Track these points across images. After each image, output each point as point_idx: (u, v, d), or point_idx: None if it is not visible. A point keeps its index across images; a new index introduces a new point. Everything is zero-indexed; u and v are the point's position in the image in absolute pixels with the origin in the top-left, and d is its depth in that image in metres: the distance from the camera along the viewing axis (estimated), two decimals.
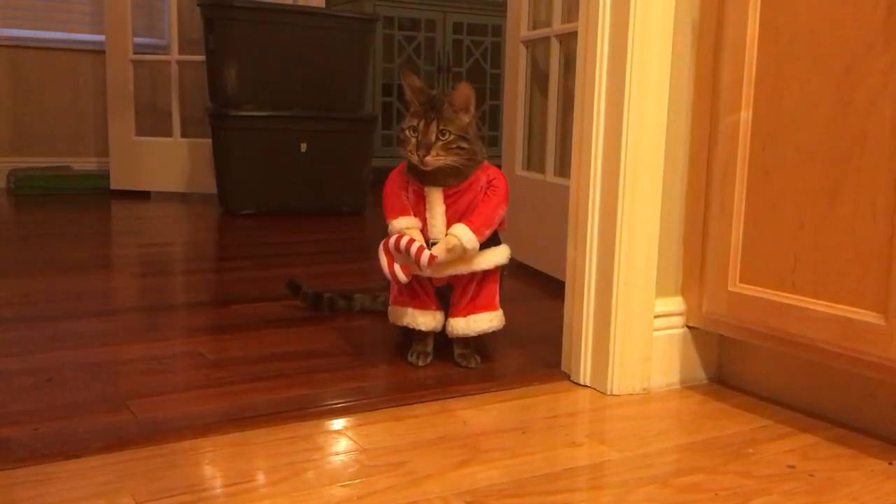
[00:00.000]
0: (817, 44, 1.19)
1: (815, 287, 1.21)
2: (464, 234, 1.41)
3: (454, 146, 1.39)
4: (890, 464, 1.13)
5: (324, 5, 4.14)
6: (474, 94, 1.42)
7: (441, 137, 1.38)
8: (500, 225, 1.54)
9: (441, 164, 1.39)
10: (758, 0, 1.27)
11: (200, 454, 1.11)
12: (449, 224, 1.43)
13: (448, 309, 1.52)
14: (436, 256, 1.39)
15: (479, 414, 1.29)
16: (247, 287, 2.15)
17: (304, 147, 3.52)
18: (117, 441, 1.13)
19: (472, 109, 1.42)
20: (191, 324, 1.77)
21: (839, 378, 1.28)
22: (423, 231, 1.44)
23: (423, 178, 1.43)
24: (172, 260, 2.58)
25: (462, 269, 1.45)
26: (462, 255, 1.42)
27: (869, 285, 1.14)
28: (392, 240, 1.42)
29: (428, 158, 1.38)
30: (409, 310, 1.50)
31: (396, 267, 1.42)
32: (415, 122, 1.40)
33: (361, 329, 1.75)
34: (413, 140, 1.39)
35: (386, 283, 1.69)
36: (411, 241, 1.40)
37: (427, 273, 1.44)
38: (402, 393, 1.36)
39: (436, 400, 1.33)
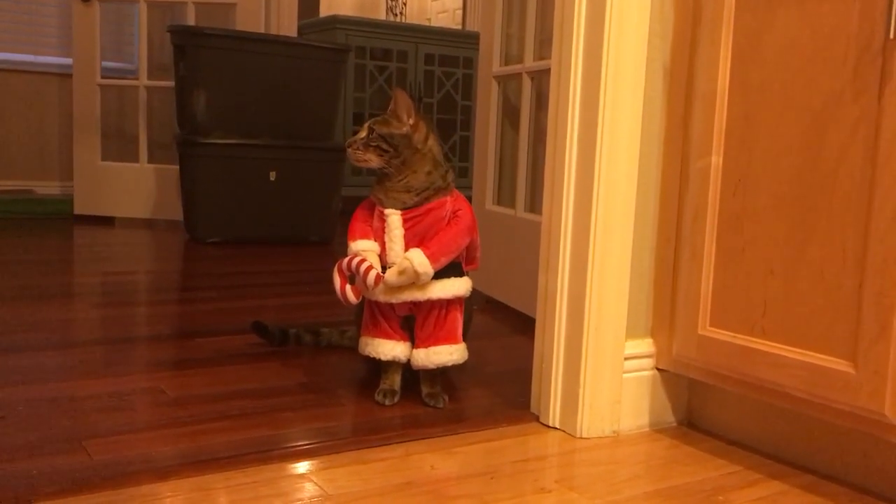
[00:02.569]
0: (787, 93, 1.20)
1: (784, 333, 1.21)
2: (416, 258, 1.40)
3: (374, 144, 1.45)
4: None
5: (296, 34, 4.14)
6: (410, 103, 1.47)
7: (369, 136, 1.46)
8: (471, 263, 1.54)
9: (366, 161, 1.45)
10: (728, 49, 1.28)
11: (158, 500, 1.07)
12: (407, 249, 1.43)
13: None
14: (382, 276, 1.40)
15: (447, 457, 1.26)
16: (211, 319, 2.11)
17: (272, 176, 3.49)
18: (71, 485, 1.09)
19: (409, 119, 1.46)
20: (152, 358, 1.72)
21: (808, 424, 1.27)
22: (382, 256, 1.44)
23: (383, 197, 1.46)
24: (136, 289, 2.53)
25: (417, 296, 1.44)
26: (414, 279, 1.41)
27: (838, 333, 1.14)
28: (346, 260, 1.42)
29: (349, 151, 1.46)
30: (371, 339, 1.49)
31: (347, 288, 1.42)
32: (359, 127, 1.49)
33: (328, 365, 1.72)
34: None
35: (354, 318, 1.67)
36: (362, 260, 1.41)
37: (378, 296, 1.43)
38: (369, 434, 1.33)
39: (403, 442, 1.31)
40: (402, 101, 1.46)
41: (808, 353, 1.17)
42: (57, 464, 1.16)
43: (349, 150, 1.46)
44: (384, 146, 1.44)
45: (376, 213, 1.47)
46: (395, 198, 1.44)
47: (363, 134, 1.46)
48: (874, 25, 1.09)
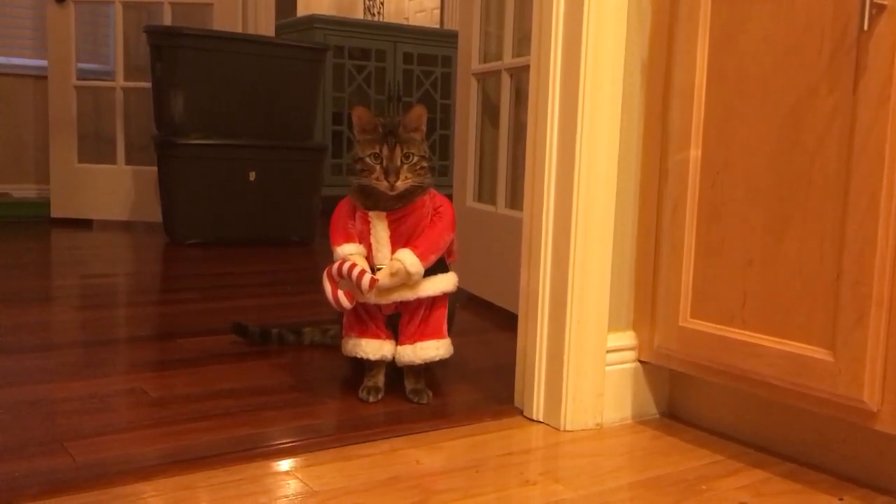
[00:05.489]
0: (764, 86, 1.21)
1: (764, 323, 1.22)
2: (407, 259, 1.40)
3: (418, 167, 1.42)
4: (840, 500, 1.14)
5: (274, 34, 4.12)
6: (426, 116, 1.45)
7: (406, 161, 1.40)
8: (449, 256, 1.54)
9: (408, 186, 1.40)
10: (705, 43, 1.29)
11: (142, 499, 1.06)
12: (394, 250, 1.43)
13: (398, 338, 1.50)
14: (377, 279, 1.39)
15: (432, 452, 1.26)
16: (192, 320, 2.09)
17: (252, 176, 3.48)
18: (54, 486, 1.08)
19: (423, 129, 1.45)
20: (133, 359, 1.71)
21: (789, 413, 1.29)
22: (369, 258, 1.44)
23: (368, 202, 1.43)
24: (115, 291, 2.51)
25: (408, 295, 1.44)
26: (406, 279, 1.41)
27: (816, 322, 1.15)
28: (335, 266, 1.42)
29: (398, 183, 1.39)
30: (358, 339, 1.48)
31: (340, 293, 1.41)
32: (376, 149, 1.40)
33: (311, 364, 1.72)
34: (378, 167, 1.39)
35: (336, 316, 1.66)
36: (353, 265, 1.40)
37: (371, 298, 1.43)
38: (353, 431, 1.33)
39: (387, 438, 1.31)
40: (422, 114, 1.44)
41: (787, 342, 1.19)
42: (39, 466, 1.15)
43: (397, 183, 1.38)
44: (425, 164, 1.43)
45: (358, 215, 1.46)
46: (384, 203, 1.43)
47: (398, 162, 1.39)
48: (848, 18, 1.10)
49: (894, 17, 1.05)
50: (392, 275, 1.40)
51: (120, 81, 3.94)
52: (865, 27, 1.07)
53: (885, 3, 1.05)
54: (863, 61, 1.08)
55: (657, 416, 1.47)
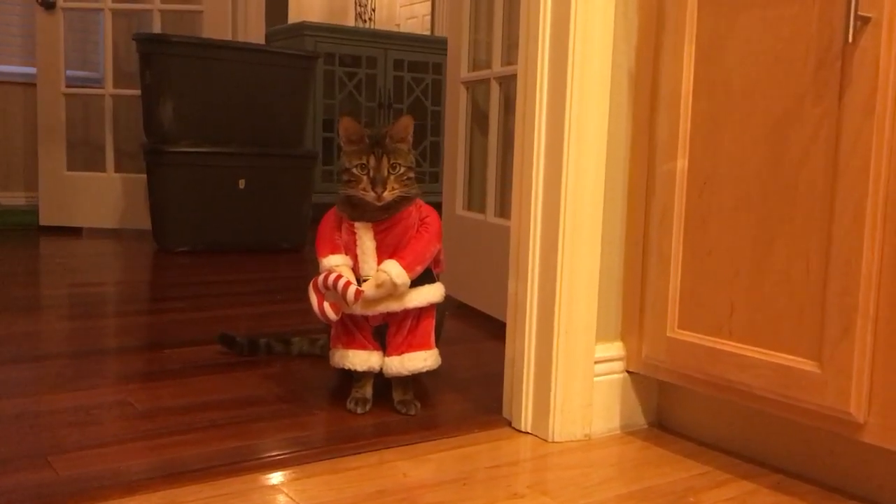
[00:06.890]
0: (750, 97, 1.22)
1: (751, 334, 1.22)
2: (393, 270, 1.40)
3: (405, 178, 1.42)
4: None
5: (264, 41, 4.12)
6: (413, 126, 1.45)
7: (393, 171, 1.40)
8: (436, 266, 1.54)
9: (395, 197, 1.40)
10: (692, 53, 1.29)
11: None
12: (380, 261, 1.42)
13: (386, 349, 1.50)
14: (362, 291, 1.39)
15: (420, 465, 1.26)
16: (181, 329, 2.08)
17: (241, 183, 3.47)
18: (37, 501, 1.07)
19: (410, 139, 1.45)
20: (120, 370, 1.70)
21: (776, 424, 1.29)
22: (355, 269, 1.43)
23: (355, 213, 1.43)
24: (103, 301, 2.49)
25: (394, 307, 1.43)
26: (392, 291, 1.41)
27: (804, 333, 1.15)
28: (321, 277, 1.41)
29: (385, 194, 1.39)
30: (345, 351, 1.48)
31: (326, 305, 1.41)
32: (363, 160, 1.40)
33: (299, 374, 1.71)
34: (365, 178, 1.39)
35: (324, 326, 1.66)
36: (339, 277, 1.39)
37: (357, 310, 1.42)
38: (341, 443, 1.32)
39: (375, 450, 1.30)
40: (409, 125, 1.43)
41: (774, 353, 1.19)
42: (22, 480, 1.14)
43: (384, 193, 1.38)
44: (412, 175, 1.42)
45: (344, 226, 1.45)
46: (370, 214, 1.43)
47: (385, 172, 1.39)
48: (833, 30, 1.10)
49: (879, 29, 1.05)
50: (378, 286, 1.40)
51: (109, 89, 3.93)
52: (850, 39, 1.07)
53: (870, 15, 1.06)
54: (848, 73, 1.09)
55: (646, 426, 1.47)
